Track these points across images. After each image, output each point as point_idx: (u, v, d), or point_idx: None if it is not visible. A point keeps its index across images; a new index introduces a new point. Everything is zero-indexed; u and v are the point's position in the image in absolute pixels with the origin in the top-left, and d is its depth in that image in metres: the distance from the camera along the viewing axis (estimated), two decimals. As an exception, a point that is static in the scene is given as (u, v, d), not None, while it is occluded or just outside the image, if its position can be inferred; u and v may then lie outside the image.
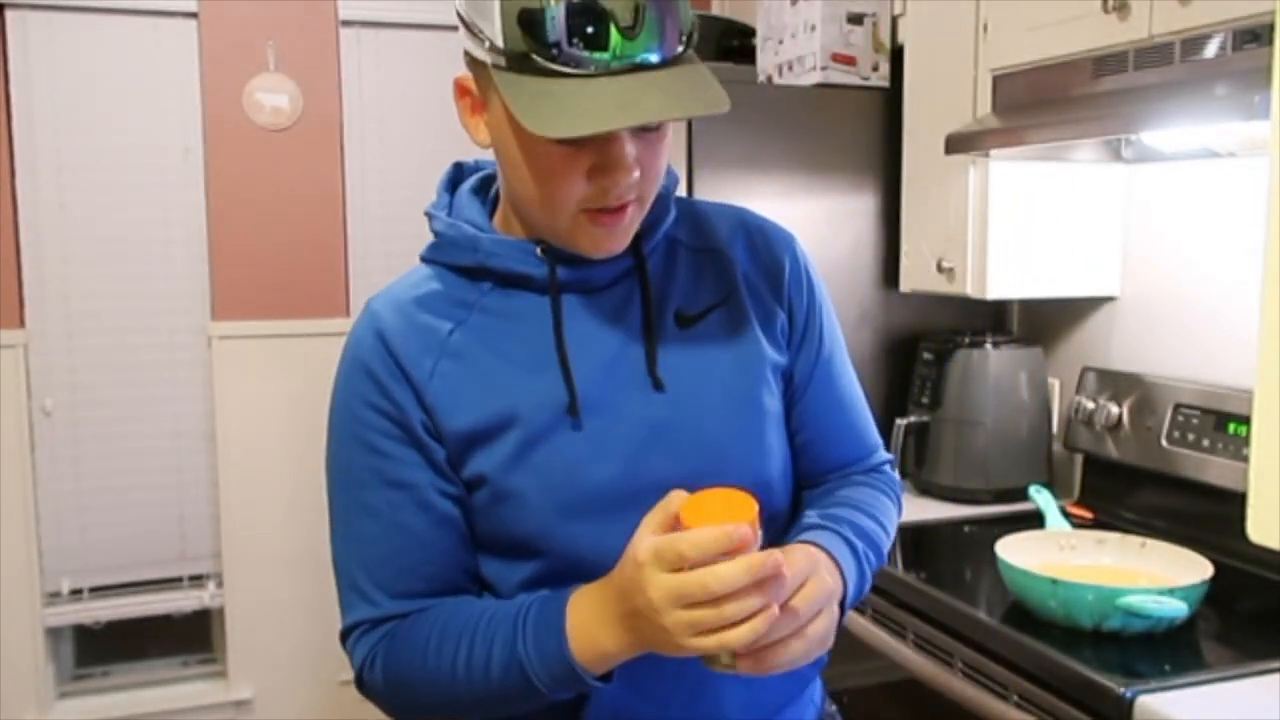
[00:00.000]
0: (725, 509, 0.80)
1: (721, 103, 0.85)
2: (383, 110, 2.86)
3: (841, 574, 0.92)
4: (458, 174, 1.09)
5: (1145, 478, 1.92)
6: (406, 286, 1.01)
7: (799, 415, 1.06)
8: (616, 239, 0.93)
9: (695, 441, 0.97)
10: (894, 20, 2.20)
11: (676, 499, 0.83)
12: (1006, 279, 1.97)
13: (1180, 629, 1.47)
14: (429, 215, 1.04)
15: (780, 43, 2.29)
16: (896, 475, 1.15)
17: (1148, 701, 1.26)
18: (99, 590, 2.75)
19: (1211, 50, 1.45)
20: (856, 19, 2.17)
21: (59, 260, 2.64)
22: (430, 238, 1.05)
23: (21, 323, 2.64)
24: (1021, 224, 1.96)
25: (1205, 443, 1.78)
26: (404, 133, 2.88)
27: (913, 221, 2.13)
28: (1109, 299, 2.09)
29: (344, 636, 1.00)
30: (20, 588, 2.67)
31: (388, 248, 2.90)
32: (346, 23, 2.79)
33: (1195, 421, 1.81)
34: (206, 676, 2.90)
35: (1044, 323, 2.26)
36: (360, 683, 0.99)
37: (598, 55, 0.82)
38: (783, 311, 1.04)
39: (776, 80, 2.31)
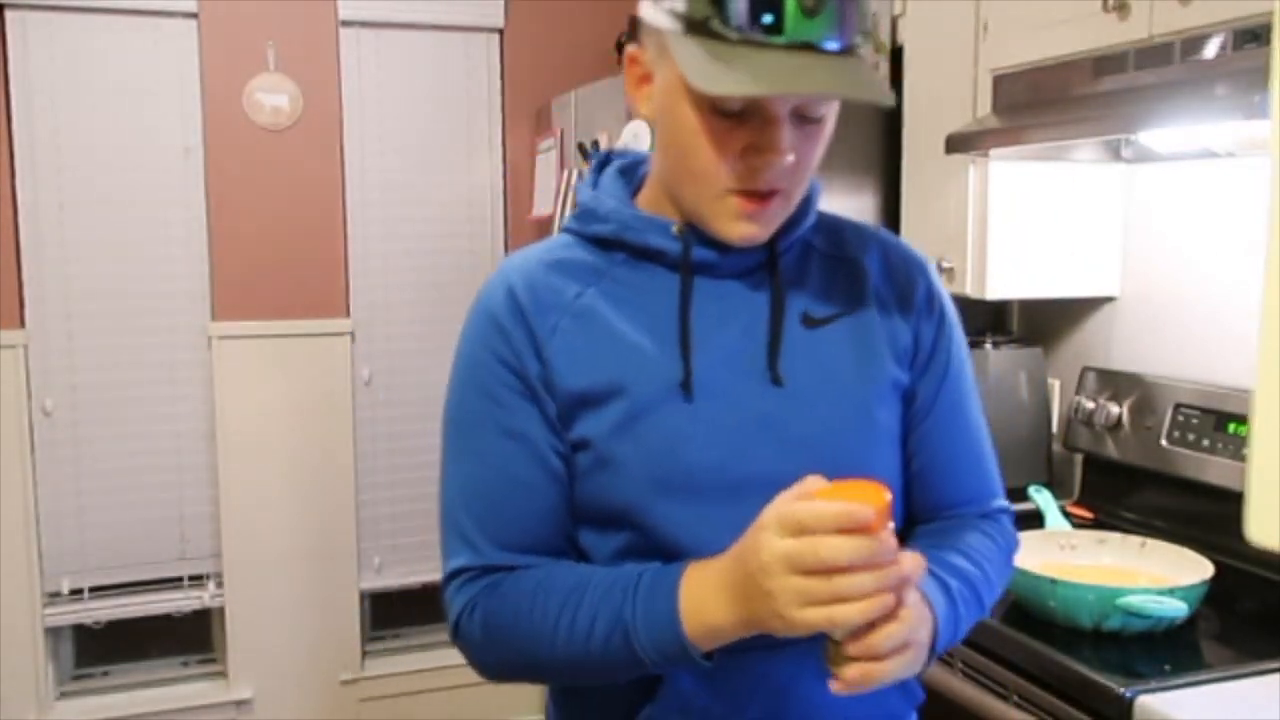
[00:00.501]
0: (857, 494, 0.81)
1: (888, 97, 0.87)
2: (383, 110, 2.86)
3: (933, 612, 0.91)
4: (608, 159, 1.10)
5: (1145, 478, 1.92)
6: (542, 250, 1.02)
7: (916, 440, 1.06)
8: (758, 226, 0.94)
9: (804, 440, 0.97)
10: (894, 20, 2.20)
11: (813, 482, 0.83)
12: (1006, 279, 1.96)
13: (1180, 629, 1.47)
14: (575, 190, 1.08)
15: (780, 43, 2.29)
16: (1013, 528, 1.13)
17: (1148, 701, 1.26)
18: (99, 590, 2.75)
19: (1211, 50, 1.45)
20: (856, 19, 2.17)
21: (59, 260, 2.65)
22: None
23: (21, 323, 2.64)
24: (1021, 224, 1.96)
25: (1205, 443, 1.78)
26: (404, 133, 2.88)
27: (912, 221, 2.13)
28: (1109, 299, 2.09)
29: (445, 583, 0.99)
30: (20, 588, 2.67)
31: (388, 248, 2.90)
32: (346, 23, 2.79)
33: (1195, 421, 1.81)
34: (206, 676, 2.90)
35: (1044, 323, 2.26)
36: (455, 632, 0.98)
37: (775, 31, 0.83)
38: (910, 331, 1.04)
39: (776, 80, 2.30)
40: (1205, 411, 1.80)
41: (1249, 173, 1.80)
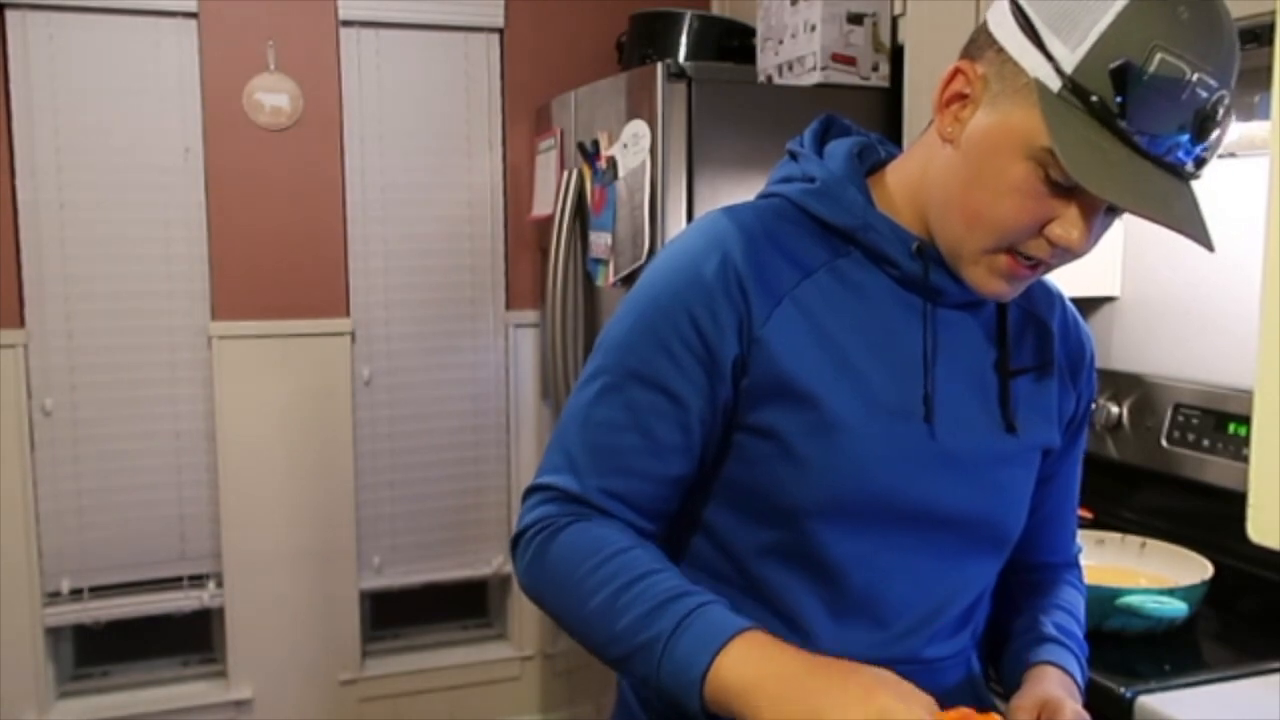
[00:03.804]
0: None
1: (1212, 243, 0.84)
2: (383, 110, 2.86)
3: (1077, 685, 0.99)
4: (827, 128, 1.05)
5: (1145, 478, 1.92)
6: (762, 214, 0.97)
7: (1041, 496, 1.08)
8: (1013, 289, 0.93)
9: (982, 485, 0.98)
10: (894, 20, 2.20)
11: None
12: (1006, 279, 1.96)
13: (1180, 629, 1.47)
14: (798, 154, 1.01)
15: (780, 43, 2.29)
16: (1081, 565, 1.21)
17: (1148, 701, 1.26)
18: (99, 590, 2.75)
19: (1211, 50, 1.45)
20: (856, 19, 2.17)
21: (59, 260, 2.64)
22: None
23: (21, 323, 2.64)
24: (1021, 224, 1.96)
25: (1205, 443, 1.78)
26: (404, 133, 2.88)
27: (913, 221, 2.13)
28: (1109, 299, 2.09)
29: (529, 492, 0.98)
30: (20, 588, 2.67)
31: (388, 248, 2.90)
32: (346, 23, 2.79)
33: (1195, 421, 1.81)
34: (206, 676, 2.90)
35: (1044, 323, 2.25)
36: (516, 540, 0.97)
37: (1161, 136, 0.79)
38: (1074, 399, 1.07)
39: (776, 80, 2.31)
40: (1205, 411, 1.80)
41: (1249, 173, 1.80)
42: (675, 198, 2.10)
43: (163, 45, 2.67)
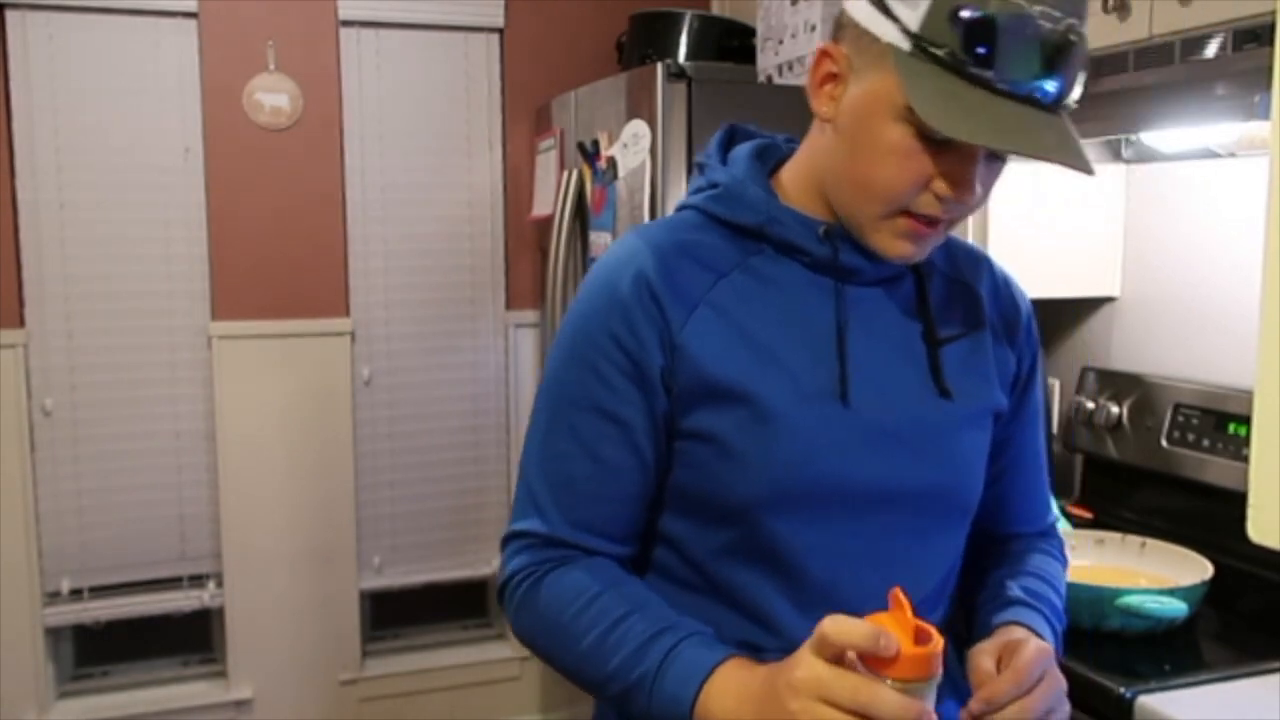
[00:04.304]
0: (906, 627, 0.79)
1: (1090, 167, 0.86)
2: (383, 110, 2.86)
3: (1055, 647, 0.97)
4: (731, 136, 1.08)
5: (1145, 478, 1.92)
6: (671, 229, 1.00)
7: (1001, 464, 1.09)
8: (918, 248, 0.94)
9: (923, 457, 0.98)
10: (894, 20, 2.20)
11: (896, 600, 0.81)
12: (1006, 279, 1.96)
13: (1180, 629, 1.47)
14: (703, 164, 1.04)
15: (780, 43, 2.29)
16: (1060, 536, 1.20)
17: (1148, 701, 1.26)
18: (99, 590, 2.75)
19: (1211, 50, 1.45)
20: (856, 19, 2.17)
21: (59, 260, 2.64)
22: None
23: (21, 323, 2.63)
24: (1021, 224, 1.96)
25: (1205, 443, 1.78)
26: (404, 133, 2.88)
27: (913, 221, 2.13)
28: (1109, 299, 2.10)
29: (506, 540, 1.00)
30: (20, 588, 2.67)
31: (388, 248, 2.90)
32: (346, 23, 2.79)
33: (1195, 421, 1.81)
34: (206, 676, 2.90)
35: (1044, 323, 2.24)
36: (502, 590, 1.00)
37: (1014, 76, 0.82)
38: (1014, 359, 1.07)
39: (776, 80, 2.31)
40: (1205, 411, 1.80)
41: (1249, 173, 1.80)
42: (675, 198, 2.10)
43: (163, 45, 2.67)
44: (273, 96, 2.73)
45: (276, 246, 2.78)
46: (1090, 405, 2.01)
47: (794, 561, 0.94)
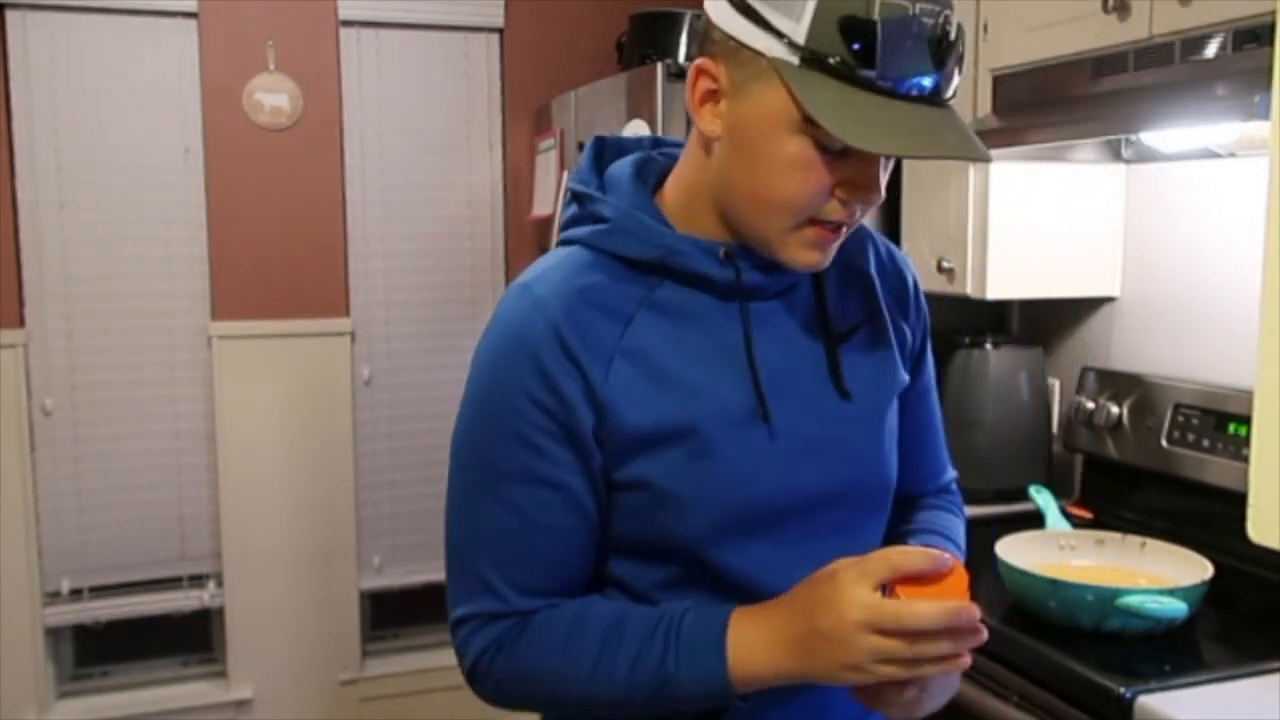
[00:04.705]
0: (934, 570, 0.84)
1: (988, 154, 0.87)
2: (383, 110, 2.86)
3: None
4: (601, 151, 1.04)
5: (1145, 478, 1.92)
6: (566, 273, 0.94)
7: (901, 429, 1.08)
8: (827, 255, 0.93)
9: (843, 455, 0.98)
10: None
11: (896, 554, 0.85)
12: (1006, 279, 1.96)
13: (1180, 629, 1.47)
14: (583, 195, 0.99)
15: (780, 43, 2.29)
16: (959, 490, 1.21)
17: (1148, 702, 1.26)
18: (99, 590, 2.75)
19: (1211, 50, 1.45)
20: (856, 19, 2.17)
21: (59, 260, 2.65)
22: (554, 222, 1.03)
23: (21, 323, 2.64)
24: (1021, 224, 1.96)
25: (1205, 443, 1.78)
26: (404, 133, 2.88)
27: (913, 221, 2.13)
28: (1109, 299, 2.10)
29: (456, 625, 0.96)
30: (20, 588, 2.67)
31: (387, 248, 2.90)
32: (346, 23, 2.79)
33: (1195, 421, 1.81)
34: (206, 676, 2.90)
35: (1044, 323, 2.26)
36: (472, 674, 0.96)
37: (904, 75, 0.82)
38: (909, 331, 1.07)
39: (776, 80, 2.30)
40: (1205, 411, 1.80)
41: (1249, 173, 1.80)
42: (675, 198, 2.10)
43: (163, 45, 2.67)
44: (273, 96, 2.73)
45: (276, 246, 2.78)
46: (1090, 405, 2.01)
47: (739, 582, 0.94)
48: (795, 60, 0.83)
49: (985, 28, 1.89)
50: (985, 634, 0.84)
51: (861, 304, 1.03)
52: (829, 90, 0.82)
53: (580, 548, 0.95)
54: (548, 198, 2.62)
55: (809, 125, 0.84)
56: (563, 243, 0.99)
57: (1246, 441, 1.67)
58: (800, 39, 0.82)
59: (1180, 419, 1.84)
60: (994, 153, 1.87)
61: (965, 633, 0.82)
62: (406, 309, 2.93)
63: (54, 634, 2.76)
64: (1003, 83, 1.86)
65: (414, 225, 2.92)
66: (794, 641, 0.84)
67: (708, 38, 0.90)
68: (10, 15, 2.56)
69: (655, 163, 1.02)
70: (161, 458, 2.76)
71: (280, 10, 2.71)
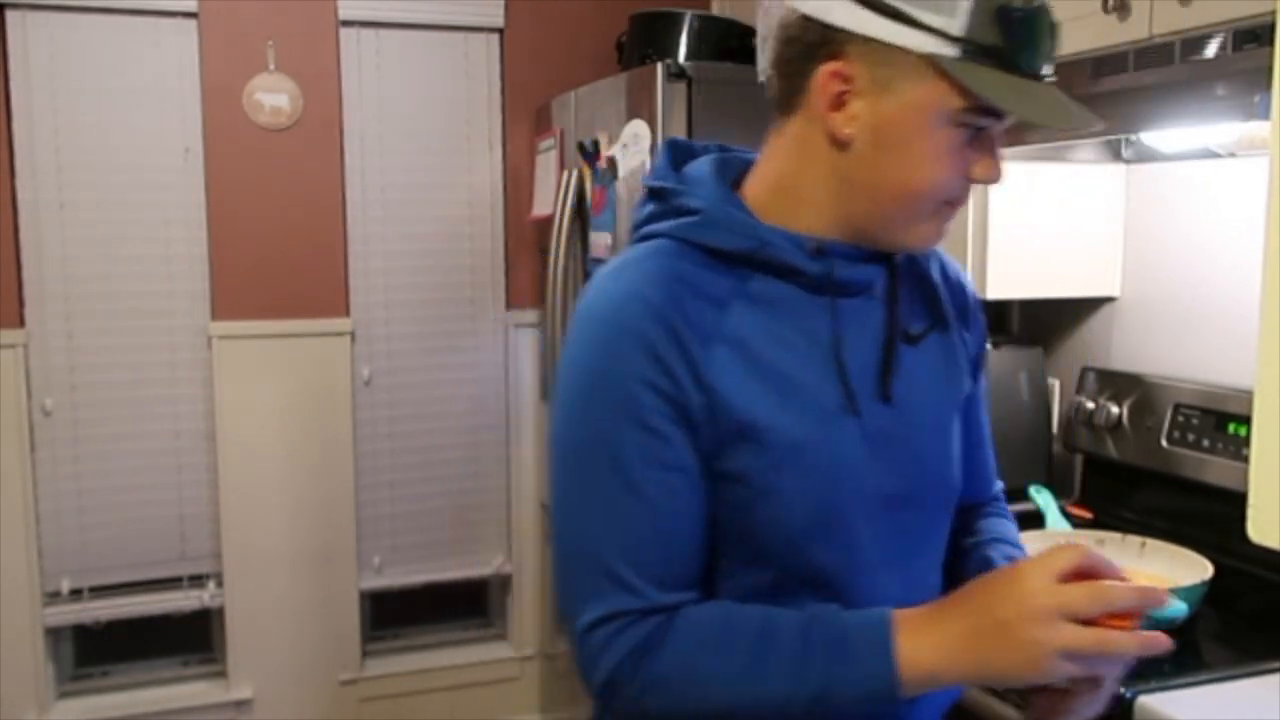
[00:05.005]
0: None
1: (1098, 118, 0.94)
2: (383, 110, 2.86)
3: None
4: (678, 152, 1.05)
5: (1145, 478, 1.92)
6: (659, 262, 0.94)
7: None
8: (944, 232, 0.97)
9: (915, 456, 1.00)
10: (894, 20, 2.20)
11: (1075, 550, 0.86)
12: (1006, 279, 1.97)
13: (1180, 629, 1.46)
14: (666, 191, 0.99)
15: (780, 43, 2.29)
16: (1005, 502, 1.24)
17: (1147, 702, 1.26)
18: (99, 590, 2.75)
19: (1211, 50, 1.45)
20: (856, 19, 2.17)
21: (59, 260, 2.64)
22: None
23: (21, 323, 2.63)
24: (1021, 224, 1.96)
25: (1205, 443, 1.78)
26: (404, 133, 2.88)
27: (913, 221, 2.13)
28: (1109, 299, 2.09)
29: (591, 628, 0.90)
30: (20, 588, 2.67)
31: (387, 248, 2.90)
32: (346, 23, 2.79)
33: (1195, 421, 1.81)
34: (206, 676, 2.90)
35: (1044, 323, 2.26)
36: (611, 680, 0.90)
37: (1038, 59, 0.89)
38: (972, 342, 1.10)
39: (776, 80, 2.30)
40: (1205, 411, 1.80)
41: (1249, 173, 1.80)
42: (675, 198, 2.10)
43: (163, 45, 2.67)
44: (273, 96, 2.73)
45: (276, 246, 2.78)
46: (1090, 405, 2.01)
47: (829, 583, 0.94)
48: (954, 52, 0.86)
49: (985, 28, 1.89)
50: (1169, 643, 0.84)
51: (928, 311, 1.05)
52: (990, 77, 0.87)
53: (704, 536, 0.93)
54: (548, 198, 2.62)
55: (966, 114, 0.88)
56: (644, 238, 0.99)
57: (1246, 441, 1.67)
58: (957, 31, 0.86)
59: (1180, 419, 1.84)
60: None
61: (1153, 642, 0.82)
62: (406, 309, 2.93)
63: (54, 634, 2.75)
64: (1003, 83, 1.86)
65: (414, 225, 2.92)
66: (969, 636, 0.84)
67: (826, 43, 0.91)
68: (10, 15, 2.56)
69: (733, 162, 1.02)
70: (161, 458, 2.76)
71: (280, 10, 2.71)
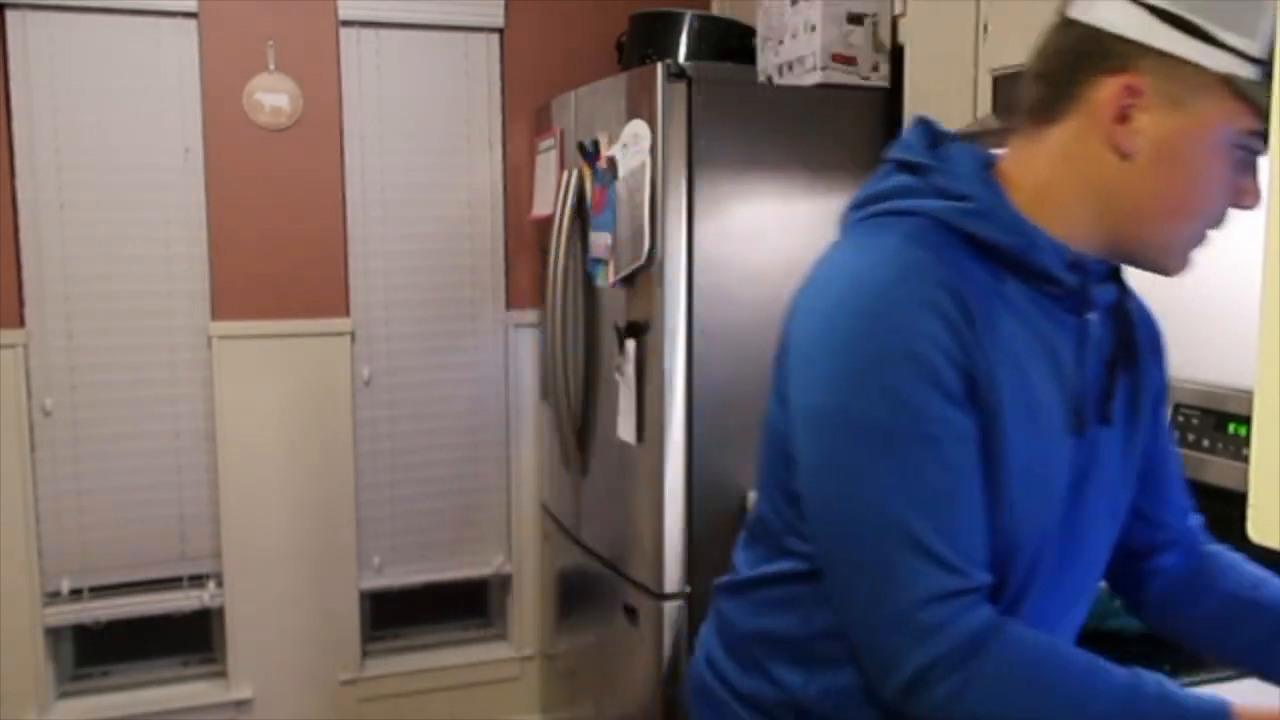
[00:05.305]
0: None
1: None
2: (383, 110, 2.86)
3: None
4: (929, 131, 1.00)
5: (1145, 478, 1.92)
6: (936, 237, 0.91)
7: (1157, 466, 1.11)
8: (1192, 262, 0.97)
9: (1109, 482, 1.00)
10: (894, 20, 2.20)
11: None
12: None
13: (1180, 629, 1.46)
14: (923, 167, 0.95)
15: (780, 43, 2.29)
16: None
17: (1148, 702, 1.25)
18: (99, 590, 2.75)
19: (1211, 50, 1.45)
20: (856, 19, 2.17)
21: (59, 260, 2.65)
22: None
23: (21, 323, 2.64)
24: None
25: (1205, 443, 1.78)
26: (404, 133, 2.88)
27: (913, 221, 2.13)
28: (1109, 299, 2.09)
29: (921, 605, 0.83)
30: (20, 588, 2.67)
31: (387, 247, 2.90)
32: (346, 23, 2.79)
33: (1195, 421, 1.81)
34: (206, 676, 2.90)
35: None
36: (928, 666, 0.84)
37: None
38: (1159, 380, 1.10)
39: (776, 80, 2.31)
40: (1205, 411, 1.79)
41: (1249, 173, 1.80)
42: (675, 198, 2.10)
43: (163, 45, 2.67)
44: (273, 96, 2.73)
45: (276, 246, 2.78)
46: (1090, 405, 2.01)
47: (1023, 606, 0.94)
48: (1251, 74, 0.85)
49: (985, 28, 1.89)
50: None
51: (1126, 337, 1.05)
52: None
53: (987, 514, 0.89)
54: (548, 198, 2.62)
55: (1250, 136, 0.87)
56: (889, 212, 0.95)
57: (1246, 441, 1.67)
58: (1257, 53, 0.85)
59: (1180, 419, 1.84)
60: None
61: None
62: (406, 309, 2.93)
63: (54, 634, 2.75)
64: (1003, 83, 1.86)
65: (414, 225, 2.92)
66: None
67: (1116, 53, 0.88)
68: (10, 15, 2.56)
69: (993, 158, 0.99)
70: (161, 458, 2.77)
71: (280, 10, 2.71)
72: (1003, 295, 0.91)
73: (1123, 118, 0.89)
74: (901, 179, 0.97)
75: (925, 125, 1.00)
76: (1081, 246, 0.94)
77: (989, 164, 0.97)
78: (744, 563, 1.09)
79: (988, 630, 0.84)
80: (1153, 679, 0.87)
